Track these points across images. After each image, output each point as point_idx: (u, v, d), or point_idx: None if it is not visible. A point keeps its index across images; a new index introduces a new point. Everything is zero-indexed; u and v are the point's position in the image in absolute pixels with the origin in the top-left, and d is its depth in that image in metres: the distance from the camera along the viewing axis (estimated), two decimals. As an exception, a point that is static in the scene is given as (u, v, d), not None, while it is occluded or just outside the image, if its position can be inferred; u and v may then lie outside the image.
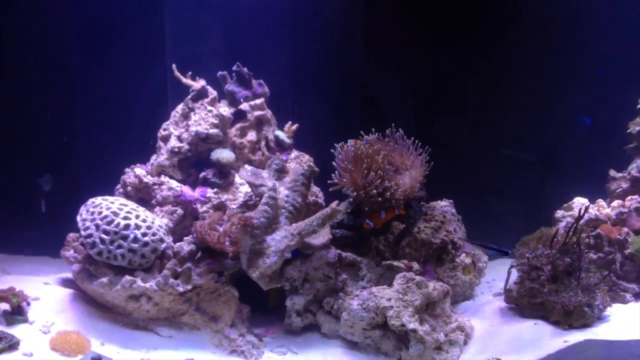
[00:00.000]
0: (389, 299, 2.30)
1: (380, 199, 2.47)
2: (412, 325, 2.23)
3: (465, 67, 3.17)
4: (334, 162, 2.59)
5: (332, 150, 2.57)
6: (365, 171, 2.46)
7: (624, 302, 2.47)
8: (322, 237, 2.51)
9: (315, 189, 2.73)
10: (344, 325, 2.37)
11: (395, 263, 2.48)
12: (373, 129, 2.65)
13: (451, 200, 2.73)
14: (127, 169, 2.70)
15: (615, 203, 2.66)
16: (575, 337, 2.21)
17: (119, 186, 2.71)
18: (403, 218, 2.60)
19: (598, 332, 2.25)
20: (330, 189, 2.58)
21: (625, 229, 2.56)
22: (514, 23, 3.14)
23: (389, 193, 2.46)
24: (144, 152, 2.80)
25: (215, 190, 2.61)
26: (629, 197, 2.66)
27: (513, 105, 3.20)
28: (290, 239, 2.40)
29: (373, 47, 3.20)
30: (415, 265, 2.48)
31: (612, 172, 2.82)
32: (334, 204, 2.41)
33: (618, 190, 2.74)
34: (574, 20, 3.08)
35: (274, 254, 2.38)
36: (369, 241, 2.63)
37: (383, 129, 2.67)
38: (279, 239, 2.40)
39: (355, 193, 2.54)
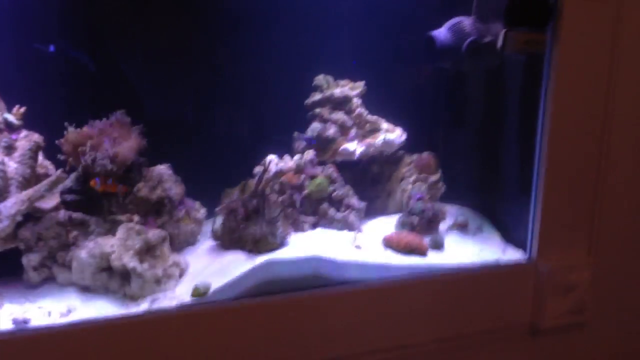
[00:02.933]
0: (112, 245, 2.79)
1: (101, 170, 2.92)
2: (132, 264, 2.75)
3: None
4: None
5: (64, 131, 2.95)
6: (84, 150, 2.89)
7: (304, 231, 3.25)
8: (52, 201, 2.91)
9: (46, 162, 3.10)
10: (75, 273, 2.81)
11: (118, 217, 2.98)
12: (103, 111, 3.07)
13: (169, 164, 3.26)
14: None
15: (297, 157, 3.44)
16: (261, 259, 2.91)
17: None
18: (126, 180, 3.08)
19: (278, 254, 2.98)
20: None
21: (303, 175, 3.35)
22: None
23: (109, 164, 2.92)
24: None
25: (-58, 168, 2.85)
26: (305, 152, 3.47)
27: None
28: (20, 204, 2.77)
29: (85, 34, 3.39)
30: (136, 218, 2.99)
31: (296, 134, 3.62)
32: (59, 172, 2.83)
33: (299, 148, 3.55)
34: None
35: (5, 219, 2.73)
36: (99, 204, 3.08)
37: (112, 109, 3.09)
38: (9, 205, 2.76)
39: (80, 167, 2.97)
